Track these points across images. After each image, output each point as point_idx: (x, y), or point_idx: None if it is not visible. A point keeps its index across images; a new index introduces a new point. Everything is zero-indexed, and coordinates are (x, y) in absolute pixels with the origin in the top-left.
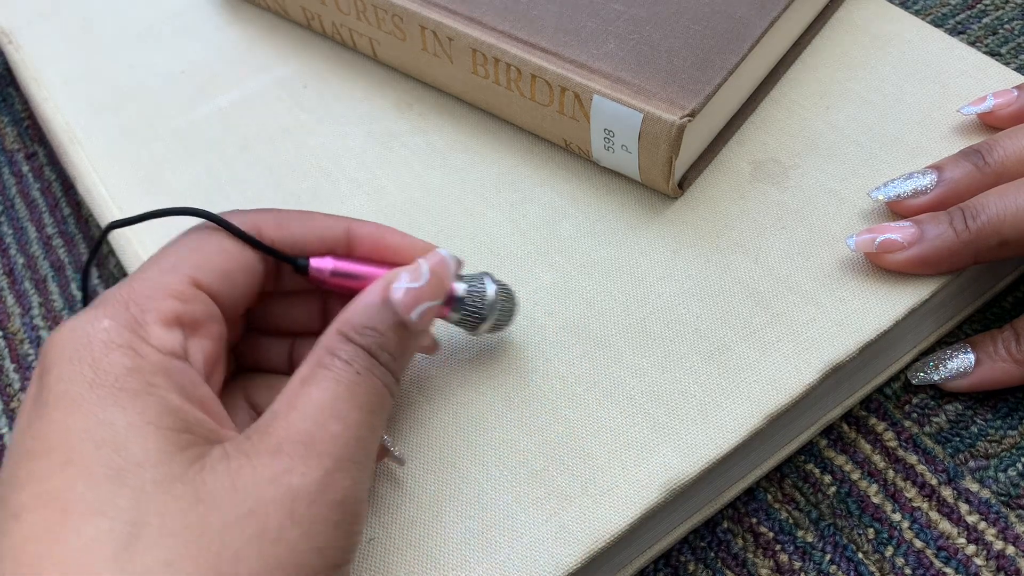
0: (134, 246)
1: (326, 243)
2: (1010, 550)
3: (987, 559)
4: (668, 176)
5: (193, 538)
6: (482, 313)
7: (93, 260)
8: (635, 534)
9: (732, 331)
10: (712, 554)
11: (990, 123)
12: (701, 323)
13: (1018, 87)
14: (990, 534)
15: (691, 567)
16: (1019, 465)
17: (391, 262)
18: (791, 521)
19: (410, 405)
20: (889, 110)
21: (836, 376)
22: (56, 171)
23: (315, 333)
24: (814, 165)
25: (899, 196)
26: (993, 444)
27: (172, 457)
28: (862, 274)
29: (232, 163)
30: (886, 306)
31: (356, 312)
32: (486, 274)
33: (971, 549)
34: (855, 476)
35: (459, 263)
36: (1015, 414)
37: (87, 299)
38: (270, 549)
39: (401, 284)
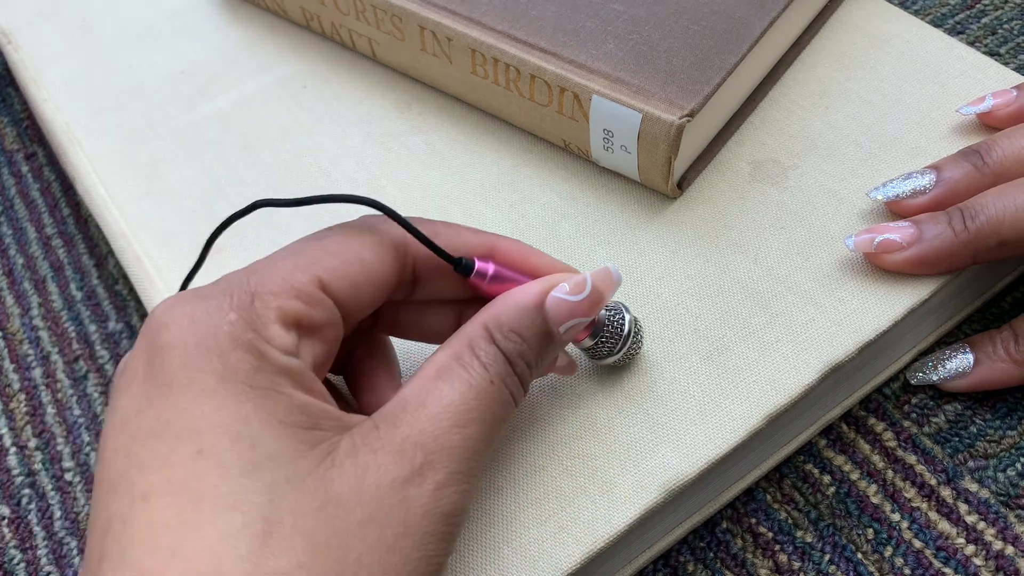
0: (134, 247)
1: (471, 257)
2: (1009, 550)
3: (986, 559)
4: (667, 176)
5: (323, 540)
6: (615, 343)
7: (214, 241)
8: (634, 534)
9: (731, 331)
10: (711, 554)
11: (989, 123)
12: (700, 323)
13: (1017, 87)
14: (989, 534)
15: (690, 567)
16: (1018, 465)
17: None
18: (790, 521)
19: None
20: (888, 110)
21: (835, 376)
22: (56, 171)
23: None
24: (813, 165)
25: (898, 196)
26: (992, 444)
27: (304, 454)
28: (861, 274)
29: (232, 163)
30: (885, 306)
31: (507, 310)
32: (623, 305)
33: (970, 549)
34: (854, 476)
35: (619, 280)
36: (1014, 414)
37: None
38: (388, 556)
39: (560, 293)
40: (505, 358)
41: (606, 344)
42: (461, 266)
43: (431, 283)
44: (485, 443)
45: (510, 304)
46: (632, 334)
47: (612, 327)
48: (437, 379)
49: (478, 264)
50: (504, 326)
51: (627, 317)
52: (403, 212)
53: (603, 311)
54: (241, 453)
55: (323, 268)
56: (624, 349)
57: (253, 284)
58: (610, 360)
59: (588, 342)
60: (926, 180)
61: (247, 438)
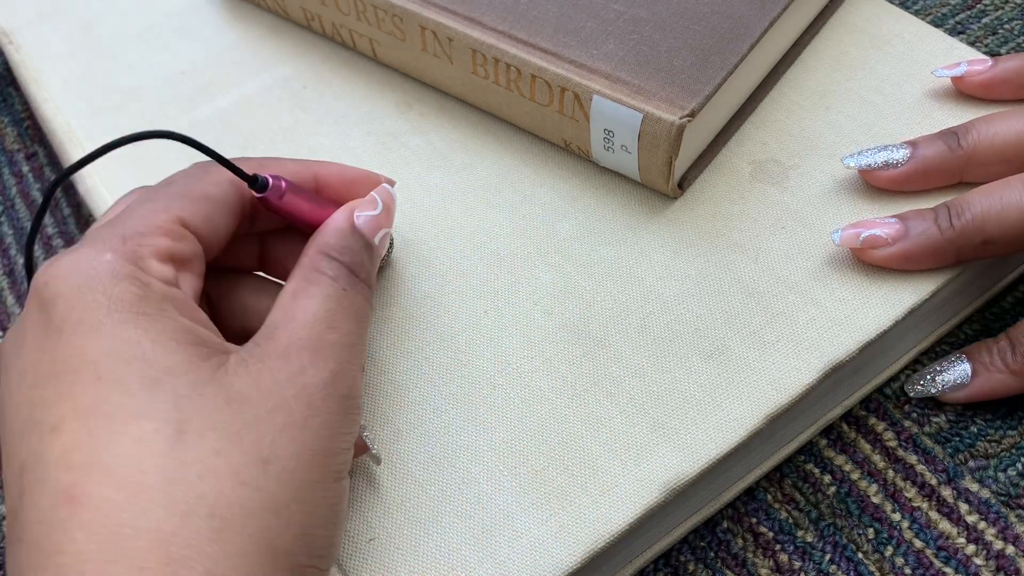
0: None
1: (277, 177)
2: (1010, 550)
3: (987, 559)
4: (668, 176)
5: (234, 431)
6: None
7: (44, 214)
8: (635, 534)
9: (732, 331)
10: (712, 554)
11: (962, 89)
12: (701, 323)
13: (994, 59)
14: (990, 534)
15: (691, 567)
16: (1019, 465)
17: (352, 196)
18: (791, 521)
19: (410, 404)
20: (888, 110)
21: (836, 376)
22: (56, 171)
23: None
24: (814, 165)
25: (870, 166)
26: (993, 444)
27: (198, 365)
28: (862, 274)
29: None
30: (886, 306)
31: (332, 234)
32: None
33: (971, 549)
34: (855, 476)
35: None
36: (1015, 414)
37: (30, 263)
38: (299, 435)
39: (363, 212)
40: (348, 269)
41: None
42: (257, 184)
43: (264, 214)
44: (358, 338)
45: (331, 229)
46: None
47: None
48: (296, 298)
49: (271, 181)
50: (334, 247)
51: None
52: (403, 211)
53: None
54: (139, 371)
55: (180, 207)
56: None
57: (121, 230)
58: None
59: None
60: (900, 154)
61: (141, 358)
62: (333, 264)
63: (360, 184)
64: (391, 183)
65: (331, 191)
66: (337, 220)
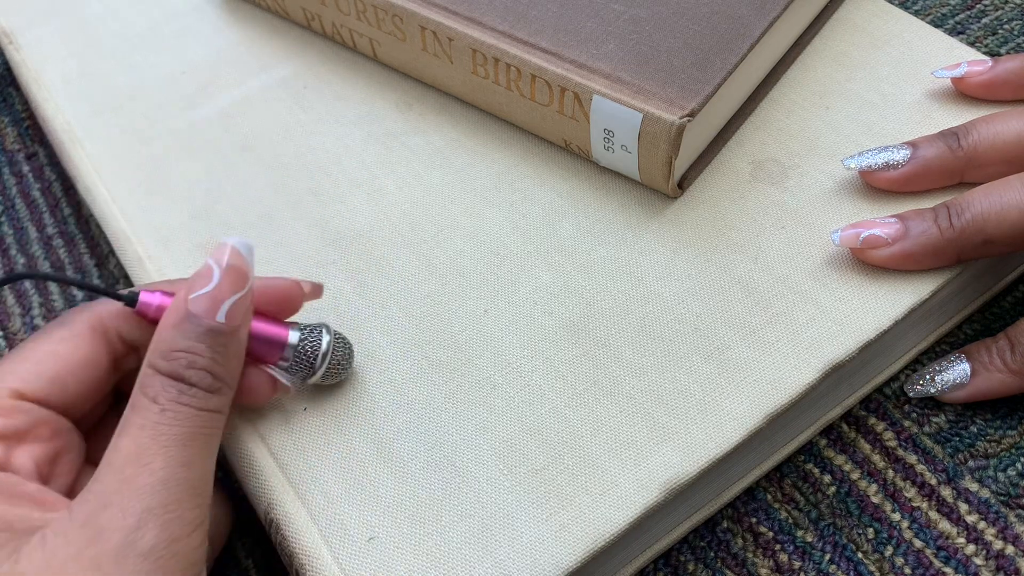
0: (135, 247)
1: (146, 292)
2: (1009, 550)
3: (987, 559)
4: (668, 176)
5: None
6: (309, 365)
7: None
8: (635, 533)
9: (732, 331)
10: (712, 554)
11: (962, 90)
12: (701, 323)
13: (993, 59)
14: (989, 534)
15: (691, 567)
16: (1019, 465)
17: (270, 298)
18: (791, 521)
19: (410, 404)
20: (889, 110)
21: (836, 376)
22: (56, 171)
23: None
24: (814, 165)
25: (870, 167)
26: (992, 444)
27: None
28: (862, 274)
29: (232, 163)
30: (886, 306)
31: (161, 337)
32: (324, 325)
33: (971, 549)
34: (855, 476)
35: (250, 248)
36: (1015, 414)
37: None
38: None
39: (195, 292)
40: (173, 379)
41: (298, 366)
42: (126, 299)
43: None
44: (181, 466)
45: (162, 329)
46: (329, 354)
47: (305, 350)
48: (118, 437)
49: (142, 295)
50: (165, 351)
51: (325, 339)
52: (404, 211)
53: (297, 333)
54: None
55: (16, 377)
56: (321, 371)
57: None
58: (311, 381)
59: (283, 364)
60: (900, 155)
61: None
62: (156, 380)
63: (273, 289)
64: (316, 292)
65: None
66: (168, 315)
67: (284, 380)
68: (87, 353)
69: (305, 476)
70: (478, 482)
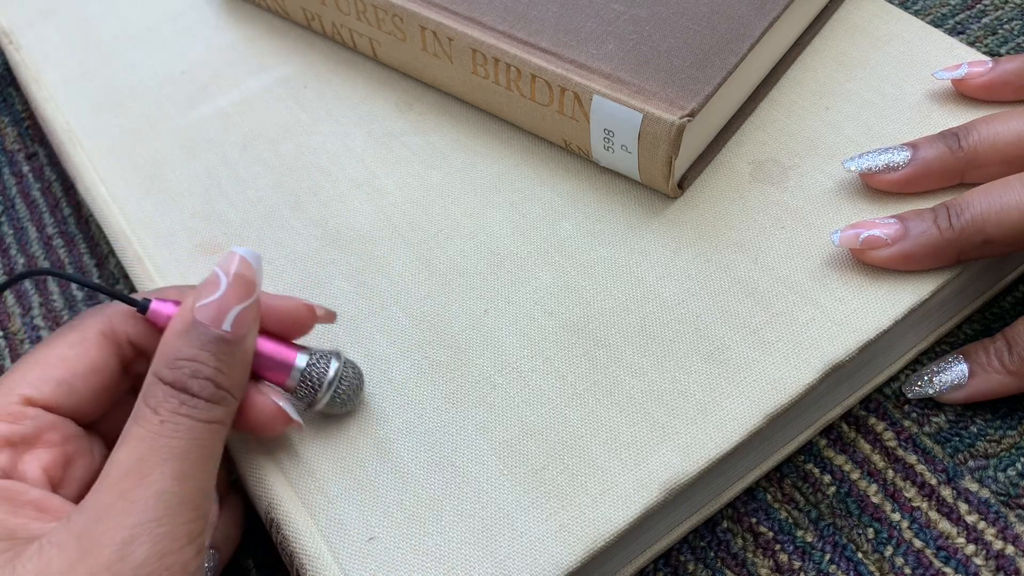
0: (135, 247)
1: (160, 299)
2: (1009, 550)
3: (986, 559)
4: (668, 176)
5: None
6: (314, 391)
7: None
8: (635, 533)
9: (732, 331)
10: (712, 554)
11: (962, 91)
12: (701, 323)
13: (994, 60)
14: (989, 534)
15: (691, 567)
16: (1018, 465)
17: (280, 318)
18: (791, 521)
19: (410, 404)
20: (889, 110)
21: (836, 376)
22: (56, 171)
23: None
24: (813, 165)
25: (871, 169)
26: (992, 444)
27: None
28: (862, 274)
29: (232, 163)
30: (886, 306)
31: (166, 346)
32: (336, 352)
33: (970, 549)
34: (855, 476)
35: (258, 258)
36: (1014, 414)
37: None
38: None
39: (201, 300)
40: (175, 388)
41: (303, 390)
42: (140, 306)
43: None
44: (176, 480)
45: (167, 337)
46: (336, 382)
47: (312, 375)
48: (117, 448)
49: (154, 303)
50: (169, 360)
51: (333, 366)
52: (404, 211)
53: (306, 357)
54: None
55: (26, 383)
56: (326, 398)
57: None
58: (316, 408)
59: (291, 384)
60: (901, 157)
61: None
62: (159, 389)
63: (277, 305)
64: (329, 318)
65: (264, 323)
66: (174, 323)
67: (290, 411)
68: (96, 357)
69: (305, 476)
70: (478, 482)
